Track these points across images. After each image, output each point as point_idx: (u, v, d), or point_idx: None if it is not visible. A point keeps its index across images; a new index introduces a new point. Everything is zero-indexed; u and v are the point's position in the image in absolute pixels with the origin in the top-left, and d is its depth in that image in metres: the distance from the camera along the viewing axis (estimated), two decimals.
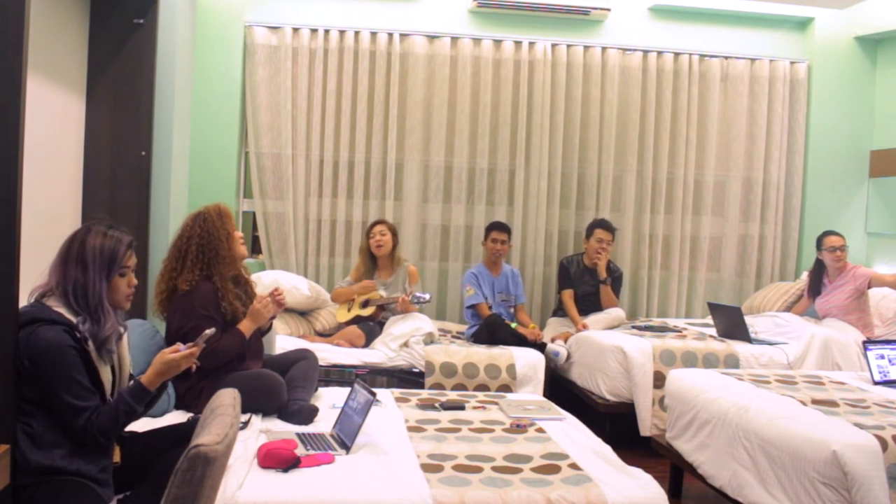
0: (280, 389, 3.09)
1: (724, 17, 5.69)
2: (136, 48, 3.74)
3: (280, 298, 3.29)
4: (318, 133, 5.35)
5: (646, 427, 4.16)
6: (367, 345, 4.49)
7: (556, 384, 4.76)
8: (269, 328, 3.51)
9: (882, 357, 3.63)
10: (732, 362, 4.34)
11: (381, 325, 4.62)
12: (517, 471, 2.52)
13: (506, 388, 4.20)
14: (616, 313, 5.01)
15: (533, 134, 5.52)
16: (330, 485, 2.33)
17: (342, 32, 5.35)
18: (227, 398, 1.82)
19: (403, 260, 4.90)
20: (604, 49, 5.56)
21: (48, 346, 1.98)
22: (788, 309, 5.15)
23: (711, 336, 4.70)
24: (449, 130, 5.46)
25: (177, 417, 2.92)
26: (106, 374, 2.11)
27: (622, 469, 2.60)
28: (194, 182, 4.75)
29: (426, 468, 2.49)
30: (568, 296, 5.07)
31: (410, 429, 2.96)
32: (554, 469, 2.54)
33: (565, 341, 4.75)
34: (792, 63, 5.76)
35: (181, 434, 2.25)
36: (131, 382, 2.21)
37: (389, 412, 3.21)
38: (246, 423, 2.88)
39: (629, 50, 5.60)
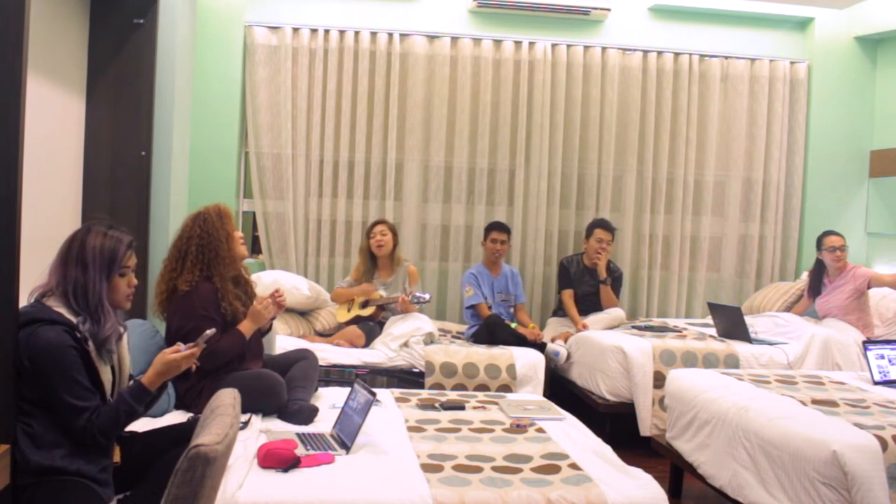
0: (280, 389, 3.09)
1: (724, 17, 5.69)
2: (136, 48, 3.74)
3: (280, 300, 3.29)
4: (318, 133, 5.35)
5: (646, 427, 4.16)
6: (367, 345, 4.49)
7: (556, 384, 4.76)
8: (269, 328, 3.51)
9: (882, 357, 3.63)
10: (732, 362, 4.34)
11: (381, 325, 4.62)
12: (517, 471, 2.52)
13: (506, 388, 4.20)
14: (616, 313, 5.01)
15: (533, 134, 5.52)
16: (330, 485, 2.33)
17: (342, 32, 5.35)
18: (227, 398, 1.82)
19: (403, 260, 4.90)
20: (604, 49, 5.56)
21: (48, 346, 1.98)
22: (788, 309, 5.15)
23: (711, 336, 4.70)
24: (449, 130, 5.46)
25: (177, 417, 2.92)
26: (106, 374, 2.11)
27: (622, 469, 2.60)
28: (194, 182, 4.75)
29: (426, 468, 2.49)
30: (568, 296, 5.07)
31: (410, 429, 2.96)
32: (554, 469, 2.54)
33: (565, 341, 4.75)
34: (792, 63, 5.76)
35: (181, 434, 2.25)
36: (131, 382, 2.22)
37: (389, 412, 3.21)
38: (246, 423, 2.88)
39: (629, 50, 5.60)
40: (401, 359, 4.34)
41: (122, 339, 2.20)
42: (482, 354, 4.33)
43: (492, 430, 3.00)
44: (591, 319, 4.89)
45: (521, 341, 4.55)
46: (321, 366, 3.80)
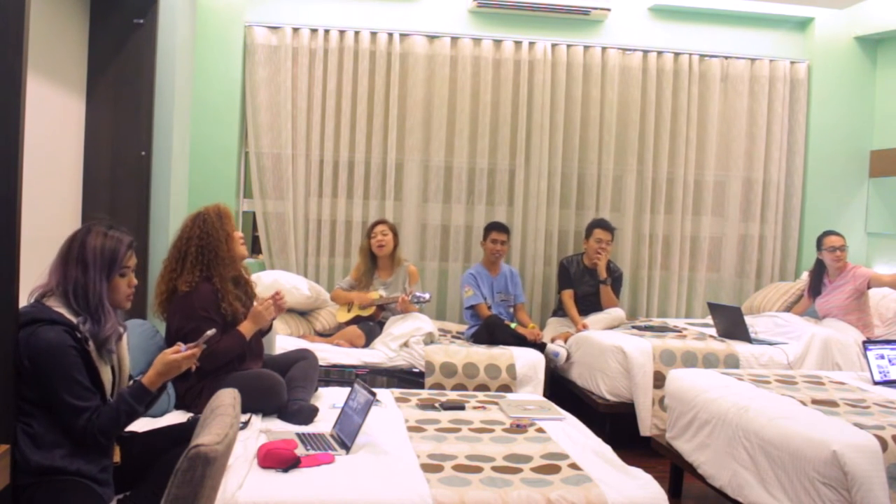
0: (280, 389, 3.09)
1: (724, 17, 5.69)
2: (136, 48, 3.74)
3: (281, 302, 3.29)
4: (318, 133, 5.35)
5: (646, 427, 4.16)
6: (367, 345, 4.49)
7: (556, 384, 4.76)
8: (269, 328, 3.51)
9: (882, 357, 3.63)
10: (732, 362, 4.34)
11: (381, 325, 4.62)
12: (517, 471, 2.52)
13: (506, 388, 4.20)
14: (616, 313, 5.01)
15: (533, 134, 5.52)
16: (330, 485, 2.33)
17: (342, 32, 5.35)
18: (227, 398, 1.82)
19: (404, 260, 4.90)
20: (604, 49, 5.56)
21: (48, 346, 1.98)
22: (788, 309, 5.15)
23: (711, 336, 4.70)
24: (449, 130, 5.46)
25: (177, 417, 2.92)
26: (106, 375, 2.11)
27: (622, 469, 2.60)
28: (194, 182, 4.75)
29: (426, 468, 2.49)
30: (568, 296, 5.07)
31: (410, 429, 2.96)
32: (554, 469, 2.54)
33: (565, 341, 4.74)
34: (792, 63, 5.76)
35: (181, 434, 2.25)
36: (131, 382, 2.22)
37: (389, 412, 3.21)
38: (246, 423, 2.88)
39: (629, 50, 5.60)
40: (401, 359, 4.34)
41: (121, 339, 2.20)
42: (482, 354, 4.33)
43: (492, 430, 3.00)
44: (591, 319, 4.89)
45: (520, 341, 4.55)
46: (321, 366, 3.80)
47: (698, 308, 5.70)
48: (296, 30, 5.32)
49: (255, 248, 5.49)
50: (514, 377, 4.25)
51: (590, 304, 5.06)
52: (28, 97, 2.03)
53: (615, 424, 4.25)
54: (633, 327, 4.95)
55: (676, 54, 5.63)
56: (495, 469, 2.53)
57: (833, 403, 3.10)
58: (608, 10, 5.49)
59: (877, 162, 5.72)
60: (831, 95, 5.75)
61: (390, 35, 5.37)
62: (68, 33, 3.47)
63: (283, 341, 4.09)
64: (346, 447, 2.66)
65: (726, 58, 5.71)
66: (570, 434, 3.01)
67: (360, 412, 2.72)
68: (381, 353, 4.36)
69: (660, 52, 5.62)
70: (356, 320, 4.64)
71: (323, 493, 2.28)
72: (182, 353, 2.16)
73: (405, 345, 4.37)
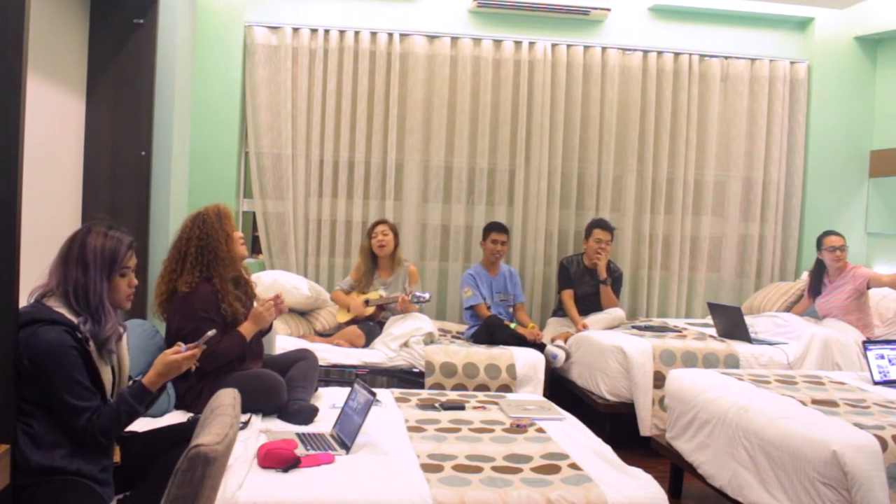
0: (280, 389, 3.09)
1: (724, 17, 5.69)
2: (136, 48, 3.74)
3: (281, 305, 3.29)
4: (318, 133, 5.35)
5: (646, 427, 4.16)
6: (367, 345, 4.49)
7: (556, 384, 4.76)
8: (269, 328, 3.51)
9: (882, 357, 3.63)
10: (732, 362, 4.34)
11: (381, 325, 4.62)
12: (517, 471, 2.52)
13: (506, 388, 4.20)
14: (616, 313, 5.01)
15: (533, 134, 5.52)
16: (330, 485, 2.33)
17: (342, 32, 5.35)
18: (227, 398, 1.82)
19: (404, 260, 4.90)
20: (604, 49, 5.56)
21: (49, 346, 1.98)
22: (788, 309, 5.15)
23: (711, 336, 4.70)
24: (449, 130, 5.46)
25: (177, 417, 2.92)
26: (106, 375, 2.11)
27: (622, 469, 2.60)
28: (194, 182, 4.75)
29: (426, 468, 2.49)
30: (568, 296, 5.07)
31: (410, 429, 2.96)
32: (554, 469, 2.54)
33: (565, 341, 4.74)
34: (792, 63, 5.76)
35: (181, 434, 2.25)
36: (131, 383, 2.22)
37: (389, 412, 3.21)
38: (246, 423, 2.88)
39: (629, 50, 5.60)
40: (401, 359, 4.34)
41: (121, 339, 2.20)
42: (482, 354, 4.33)
43: (492, 430, 3.00)
44: (591, 319, 4.89)
45: (520, 341, 4.55)
46: (321, 366, 3.80)
47: (698, 308, 5.70)
48: (296, 30, 5.32)
49: (255, 248, 5.49)
50: (514, 377, 4.25)
51: (590, 304, 5.06)
52: (28, 97, 2.03)
53: (615, 424, 4.25)
54: (633, 327, 4.95)
55: (676, 54, 5.63)
56: (495, 469, 2.53)
57: (833, 403, 3.10)
58: (608, 10, 5.49)
59: (877, 162, 5.72)
60: (831, 95, 5.75)
61: (390, 35, 5.37)
62: (68, 33, 3.47)
63: (283, 341, 4.09)
64: (346, 447, 2.66)
65: (726, 58, 5.71)
66: (570, 434, 3.01)
67: (360, 412, 2.72)
68: (381, 353, 4.36)
69: (660, 52, 5.62)
70: (356, 320, 4.64)
71: (323, 493, 2.28)
72: (182, 354, 2.17)
73: (405, 345, 4.37)
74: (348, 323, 4.66)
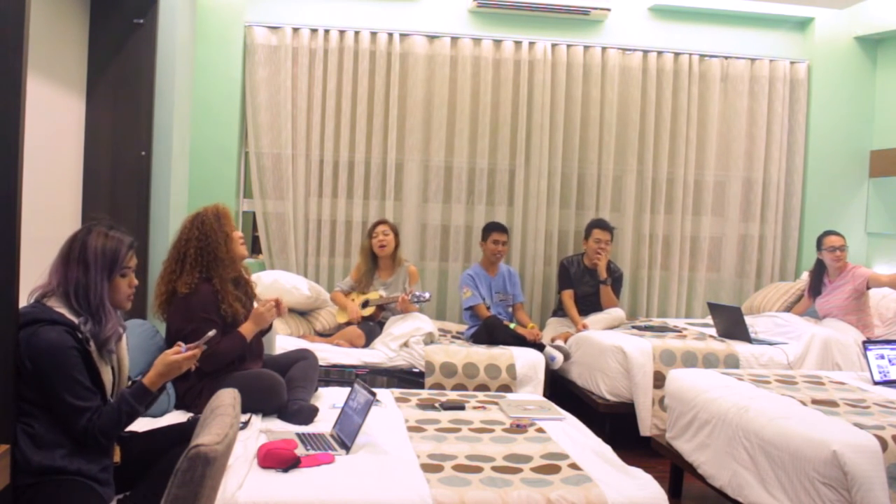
0: (280, 389, 3.09)
1: (724, 17, 5.69)
2: (136, 48, 3.74)
3: (281, 309, 3.29)
4: (318, 133, 5.35)
5: (646, 427, 4.16)
6: (367, 345, 4.49)
7: (556, 384, 4.76)
8: (269, 328, 3.51)
9: (882, 357, 3.63)
10: (732, 362, 4.34)
11: (381, 325, 4.62)
12: (517, 471, 2.52)
13: (506, 388, 4.20)
14: (616, 313, 5.01)
15: (533, 134, 5.52)
16: (330, 485, 2.33)
17: (342, 32, 5.35)
18: (227, 398, 1.82)
19: (404, 260, 4.90)
20: (604, 49, 5.56)
21: (49, 346, 1.98)
22: (788, 309, 5.15)
23: (711, 336, 4.70)
24: (449, 130, 5.46)
25: (177, 417, 2.92)
26: (107, 375, 2.11)
27: (622, 469, 2.60)
28: (194, 182, 4.75)
29: (426, 468, 2.49)
30: (568, 296, 5.07)
31: (410, 429, 2.96)
32: (554, 469, 2.54)
33: (565, 341, 4.74)
34: (792, 63, 5.76)
35: (181, 434, 2.25)
36: (130, 383, 2.22)
37: (389, 412, 3.21)
38: (246, 423, 2.88)
39: (629, 50, 5.60)
40: (401, 359, 4.34)
41: (121, 339, 2.20)
42: (482, 354, 4.33)
43: (492, 430, 3.00)
44: (591, 319, 4.89)
45: (520, 342, 4.54)
46: (321, 366, 3.80)
47: (698, 308, 5.70)
48: (296, 30, 5.32)
49: (255, 248, 5.49)
50: (514, 377, 4.25)
51: (590, 304, 5.06)
52: (28, 97, 2.03)
53: (615, 424, 4.25)
54: (633, 327, 4.95)
55: (676, 54, 5.63)
56: (495, 469, 2.53)
57: (833, 403, 3.10)
58: (608, 10, 5.49)
59: (877, 162, 5.72)
60: (831, 95, 5.75)
61: (390, 35, 5.37)
62: (68, 33, 3.47)
63: (283, 341, 4.09)
64: (346, 447, 2.66)
65: (726, 58, 5.71)
66: (570, 434, 3.01)
67: (360, 412, 2.72)
68: (381, 353, 4.36)
69: (660, 52, 5.62)
70: (352, 323, 4.64)
71: (323, 493, 2.28)
72: (183, 354, 2.17)
73: (405, 345, 4.37)
74: (348, 323, 4.66)
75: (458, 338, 4.84)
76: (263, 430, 2.85)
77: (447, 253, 5.53)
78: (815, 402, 3.11)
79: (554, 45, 5.52)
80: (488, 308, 4.83)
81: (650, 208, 5.65)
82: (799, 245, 5.81)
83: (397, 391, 3.63)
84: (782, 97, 5.73)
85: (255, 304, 3.27)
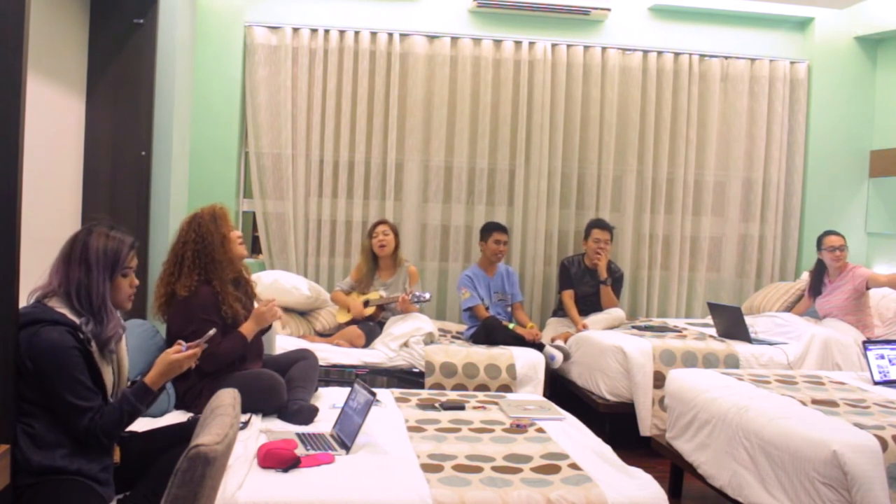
0: (280, 389, 3.09)
1: (724, 17, 5.69)
2: (136, 48, 3.74)
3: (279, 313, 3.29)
4: (318, 133, 5.35)
5: (646, 427, 4.16)
6: (367, 345, 4.49)
7: (556, 384, 4.76)
8: (269, 327, 3.50)
9: (882, 357, 3.63)
10: (732, 362, 4.34)
11: (381, 325, 4.62)
12: (517, 471, 2.52)
13: (506, 388, 4.20)
14: (616, 313, 5.01)
15: (533, 134, 5.52)
16: (330, 485, 2.33)
17: (342, 32, 5.35)
18: (227, 398, 1.82)
19: (404, 260, 4.90)
20: (604, 49, 5.56)
21: (51, 346, 1.98)
22: (788, 309, 5.15)
23: (711, 336, 4.70)
24: (449, 130, 5.46)
25: (177, 417, 2.92)
26: (108, 375, 2.11)
27: (622, 469, 2.60)
28: (194, 182, 4.75)
29: (426, 468, 2.49)
30: (568, 296, 5.06)
31: (410, 429, 2.96)
32: (554, 469, 2.54)
33: (565, 341, 4.74)
34: (792, 63, 5.76)
35: (181, 434, 2.25)
36: (129, 384, 2.22)
37: (389, 412, 3.21)
38: (246, 423, 2.88)
39: (629, 50, 5.60)
40: (401, 359, 4.34)
41: (121, 340, 2.21)
42: (482, 354, 4.33)
43: (492, 430, 3.00)
44: (591, 319, 4.89)
45: (519, 342, 4.54)
46: (321, 366, 3.80)
47: (698, 308, 5.70)
48: (296, 30, 5.32)
49: (255, 248, 5.50)
50: (514, 377, 4.25)
51: (590, 304, 5.06)
52: (28, 97, 2.03)
53: (615, 424, 4.25)
54: (633, 327, 4.95)
55: (676, 54, 5.63)
56: (495, 469, 2.53)
57: (833, 403, 3.10)
58: (608, 10, 5.49)
59: (877, 162, 5.72)
60: (831, 95, 5.75)
61: (390, 35, 5.37)
62: (68, 33, 3.47)
63: (283, 341, 4.09)
64: (346, 447, 2.66)
65: (726, 58, 5.71)
66: (570, 434, 3.01)
67: (360, 412, 2.72)
68: (381, 353, 4.36)
69: (660, 52, 5.62)
70: (356, 320, 4.64)
71: (323, 493, 2.28)
72: (184, 353, 2.18)
73: (405, 345, 4.37)
74: (348, 323, 4.66)
75: (458, 338, 4.84)
76: (263, 430, 2.85)
77: (447, 253, 5.53)
78: (815, 402, 3.11)
79: (554, 45, 5.52)
80: (487, 309, 4.82)
81: (650, 208, 5.65)
82: (799, 245, 5.81)
83: (397, 391, 3.63)
84: (782, 97, 5.73)
85: (256, 304, 3.27)
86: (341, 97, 5.36)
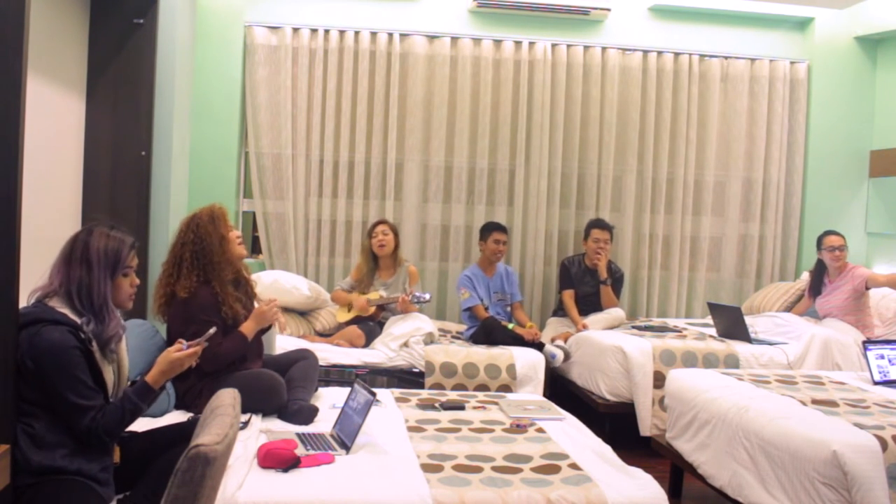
0: (280, 389, 3.09)
1: (724, 17, 5.69)
2: (136, 48, 3.74)
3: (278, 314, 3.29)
4: (318, 133, 5.35)
5: (646, 427, 4.16)
6: (367, 345, 4.49)
7: (556, 384, 4.76)
8: (269, 327, 3.50)
9: (882, 357, 3.63)
10: (732, 362, 4.34)
11: (381, 325, 4.62)
12: (517, 471, 2.52)
13: (506, 388, 4.20)
14: (616, 313, 5.01)
15: (533, 134, 5.52)
16: (330, 485, 2.34)
17: (342, 32, 5.35)
18: (227, 398, 1.82)
19: (404, 260, 4.90)
20: (604, 49, 5.56)
21: (52, 346, 1.98)
22: (788, 309, 5.15)
23: (711, 336, 4.70)
24: (449, 130, 5.46)
25: (177, 417, 2.92)
26: (109, 375, 2.12)
27: (622, 469, 2.60)
28: (194, 182, 4.75)
29: (426, 468, 2.49)
30: (568, 296, 5.07)
31: (410, 429, 2.96)
32: (554, 469, 2.54)
33: (565, 341, 4.74)
34: (792, 63, 5.76)
35: (181, 434, 2.25)
36: (129, 383, 2.22)
37: (389, 412, 3.21)
38: (246, 423, 2.88)
39: (629, 50, 5.60)
40: (401, 359, 4.34)
41: (121, 340, 2.21)
42: (482, 354, 4.33)
43: (492, 430, 3.00)
44: (591, 319, 4.89)
45: (518, 342, 4.54)
46: (321, 366, 3.80)
47: (698, 308, 5.70)
48: (296, 30, 5.32)
49: (255, 248, 5.50)
50: (514, 377, 4.25)
51: (590, 304, 5.06)
52: (28, 97, 2.03)
53: (615, 424, 4.25)
54: (633, 327, 4.95)
55: (676, 54, 5.63)
56: (495, 469, 2.53)
57: (833, 403, 3.10)
58: (608, 10, 5.49)
59: (877, 162, 5.72)
60: (831, 95, 5.75)
61: (390, 35, 5.37)
62: (68, 33, 3.47)
63: (283, 341, 4.08)
64: (346, 447, 2.66)
65: (726, 58, 5.71)
66: (570, 434, 3.01)
67: (360, 412, 2.72)
68: (381, 353, 4.36)
69: (660, 52, 5.62)
70: (356, 320, 4.64)
71: (323, 493, 2.28)
72: (185, 352, 2.19)
73: (405, 345, 4.37)
74: (349, 322, 4.66)
75: (458, 338, 4.84)
76: (263, 430, 2.85)
77: (447, 253, 5.53)
78: (815, 402, 3.11)
79: (554, 45, 5.52)
80: (486, 309, 4.82)
81: (650, 208, 5.65)
82: (799, 245, 5.81)
83: (397, 391, 3.63)
84: (782, 97, 5.73)
85: (256, 304, 3.27)
86: (341, 97, 5.36)
